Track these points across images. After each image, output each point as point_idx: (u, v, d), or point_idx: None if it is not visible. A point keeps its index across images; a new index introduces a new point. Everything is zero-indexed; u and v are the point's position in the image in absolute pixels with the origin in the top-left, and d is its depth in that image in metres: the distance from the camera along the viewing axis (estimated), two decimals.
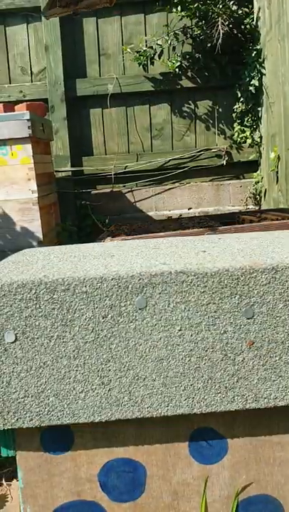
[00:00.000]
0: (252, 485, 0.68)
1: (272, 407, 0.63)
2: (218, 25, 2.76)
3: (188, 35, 2.94)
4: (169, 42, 2.96)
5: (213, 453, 0.67)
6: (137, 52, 2.65)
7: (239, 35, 2.87)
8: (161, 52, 2.94)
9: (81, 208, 3.14)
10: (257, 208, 2.96)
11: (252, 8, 2.90)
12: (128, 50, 2.66)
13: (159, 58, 2.73)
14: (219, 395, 0.62)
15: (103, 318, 0.60)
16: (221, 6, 2.70)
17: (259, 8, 2.80)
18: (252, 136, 3.00)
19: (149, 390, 0.62)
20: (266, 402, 0.63)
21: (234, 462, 0.68)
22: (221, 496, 0.68)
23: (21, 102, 2.81)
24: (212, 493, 0.68)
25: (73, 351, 0.61)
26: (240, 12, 2.78)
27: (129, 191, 3.12)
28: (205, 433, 0.67)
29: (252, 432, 0.67)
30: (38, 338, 0.60)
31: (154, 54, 2.72)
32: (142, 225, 1.25)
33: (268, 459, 0.68)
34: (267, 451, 0.68)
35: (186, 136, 2.88)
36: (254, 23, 2.89)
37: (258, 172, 3.03)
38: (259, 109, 2.95)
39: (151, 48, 2.71)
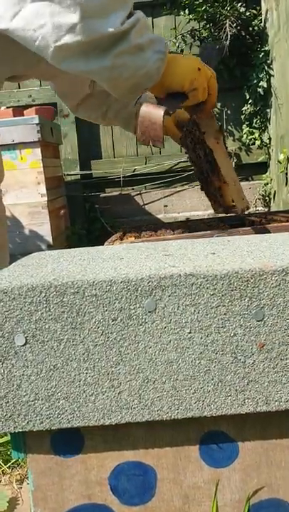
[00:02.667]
0: (263, 489, 0.68)
1: (284, 410, 0.63)
2: (225, 28, 2.76)
3: (196, 38, 2.94)
4: (176, 45, 2.95)
5: (224, 456, 0.67)
6: None
7: (247, 36, 2.86)
8: None
9: (90, 211, 3.15)
10: (266, 209, 2.95)
11: (260, 9, 2.89)
12: None
13: None
14: (229, 397, 0.62)
15: (113, 321, 0.60)
16: (228, 8, 2.70)
17: (267, 10, 2.79)
18: (261, 137, 2.99)
19: (159, 393, 0.62)
20: (277, 405, 0.62)
21: (245, 466, 0.67)
22: (232, 499, 0.68)
23: (30, 106, 2.83)
24: (223, 497, 0.68)
25: (83, 354, 0.61)
26: (248, 14, 2.78)
27: (137, 194, 3.12)
28: (215, 436, 0.67)
29: (263, 435, 0.67)
30: (48, 341, 0.60)
31: None
32: (150, 228, 1.25)
33: (279, 463, 0.67)
34: (278, 454, 0.67)
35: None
36: (262, 24, 2.88)
37: (267, 174, 3.02)
38: (268, 110, 2.94)
39: None
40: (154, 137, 0.90)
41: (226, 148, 1.13)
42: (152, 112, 0.90)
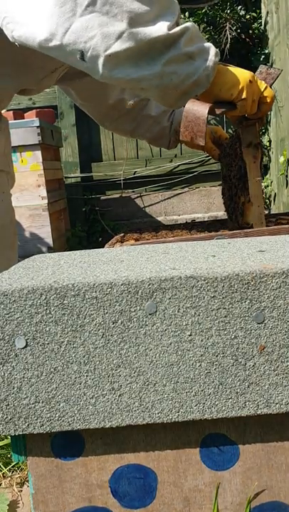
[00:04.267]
0: (264, 492, 0.67)
1: (284, 412, 0.63)
2: (226, 30, 2.77)
3: None
4: None
5: (225, 459, 0.67)
6: None
7: (247, 39, 2.87)
8: None
9: (90, 213, 3.15)
10: (267, 212, 2.95)
11: (260, 12, 2.90)
12: None
13: None
14: (230, 400, 0.62)
15: (113, 323, 0.60)
16: (228, 11, 2.71)
17: (267, 13, 2.80)
18: (261, 140, 2.99)
19: (160, 396, 0.62)
20: (278, 407, 0.62)
21: (246, 468, 0.67)
22: (232, 502, 0.67)
23: (31, 109, 2.84)
24: (224, 500, 0.67)
25: (84, 357, 0.61)
26: (248, 17, 2.78)
27: (138, 196, 3.12)
28: (216, 439, 0.67)
29: (264, 437, 0.67)
30: (48, 343, 0.60)
31: None
32: (150, 230, 1.25)
33: (280, 466, 0.67)
34: (279, 457, 0.67)
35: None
36: (262, 27, 2.89)
37: (267, 176, 3.02)
38: (268, 113, 2.94)
39: None
40: (196, 132, 0.91)
41: (262, 169, 1.13)
42: (197, 107, 0.91)
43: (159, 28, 0.84)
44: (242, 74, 0.96)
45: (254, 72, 1.03)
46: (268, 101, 1.00)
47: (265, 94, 1.00)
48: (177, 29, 0.86)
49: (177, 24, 0.89)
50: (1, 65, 1.06)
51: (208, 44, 0.92)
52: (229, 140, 1.16)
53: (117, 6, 0.81)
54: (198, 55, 0.89)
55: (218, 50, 0.93)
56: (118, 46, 0.82)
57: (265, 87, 1.00)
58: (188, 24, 0.89)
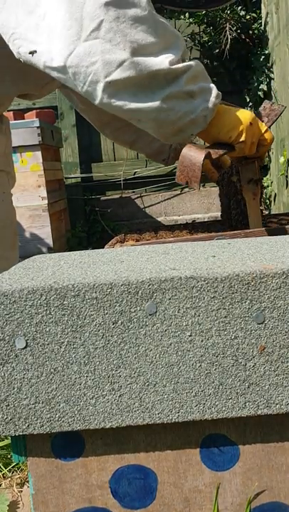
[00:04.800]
0: (264, 492, 0.67)
1: (285, 413, 0.63)
2: (226, 31, 2.77)
3: (197, 41, 2.94)
4: None
5: (225, 459, 0.67)
6: None
7: (247, 40, 2.87)
8: None
9: (90, 214, 3.15)
10: (266, 212, 2.95)
11: (260, 13, 2.90)
12: None
13: None
14: (230, 400, 0.62)
15: (113, 324, 0.60)
16: (228, 12, 2.71)
17: (267, 13, 2.80)
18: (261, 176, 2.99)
19: (160, 396, 0.62)
20: (278, 408, 0.62)
21: (246, 469, 0.67)
22: (233, 503, 0.67)
23: (31, 109, 2.84)
24: (224, 500, 0.67)
25: (84, 357, 0.61)
26: (248, 17, 2.79)
27: (138, 197, 3.12)
28: (216, 439, 0.67)
29: (264, 438, 0.67)
30: (48, 344, 0.60)
31: None
32: (150, 231, 1.25)
33: (280, 466, 0.67)
34: (279, 458, 0.67)
35: (195, 141, 2.89)
36: (262, 28, 2.89)
37: (268, 176, 3.02)
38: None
39: None
40: (191, 177, 0.92)
41: (261, 203, 1.12)
42: (194, 153, 0.92)
43: (162, 62, 0.84)
44: (243, 116, 0.95)
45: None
46: (267, 143, 1.00)
47: (265, 136, 0.99)
48: (180, 65, 0.87)
49: (183, 60, 0.89)
50: (1, 71, 1.07)
51: (211, 85, 0.92)
52: (229, 171, 1.14)
53: (120, 35, 0.82)
54: (199, 94, 0.89)
55: (220, 92, 0.94)
56: (118, 74, 0.83)
57: (266, 129, 1.00)
58: (192, 62, 0.89)
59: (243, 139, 0.94)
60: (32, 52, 0.85)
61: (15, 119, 2.50)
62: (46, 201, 2.55)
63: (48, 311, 0.60)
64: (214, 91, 0.91)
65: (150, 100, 0.86)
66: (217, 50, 2.84)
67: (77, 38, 0.82)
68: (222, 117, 0.94)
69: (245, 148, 0.96)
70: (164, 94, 0.86)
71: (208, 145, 0.98)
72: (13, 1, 0.86)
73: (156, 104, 0.86)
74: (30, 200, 2.53)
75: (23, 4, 0.85)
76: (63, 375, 0.61)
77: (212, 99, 0.90)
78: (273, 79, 2.77)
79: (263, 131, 0.99)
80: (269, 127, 1.02)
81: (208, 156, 0.92)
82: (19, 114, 2.61)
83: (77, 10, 0.81)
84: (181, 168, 0.93)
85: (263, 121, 1.01)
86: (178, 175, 0.94)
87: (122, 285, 0.60)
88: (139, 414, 0.62)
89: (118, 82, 0.83)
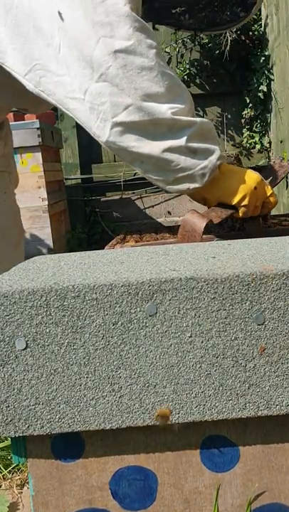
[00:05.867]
0: (265, 493, 0.67)
1: (285, 414, 0.63)
2: (226, 32, 2.77)
3: (197, 43, 2.95)
4: (177, 49, 2.97)
5: (225, 461, 0.67)
6: None
7: (247, 41, 2.87)
8: (170, 59, 2.94)
9: (91, 215, 3.15)
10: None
11: (260, 14, 2.90)
12: None
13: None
14: (230, 401, 0.62)
15: (113, 325, 0.60)
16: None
17: (267, 15, 2.80)
18: (261, 141, 3.00)
19: (160, 397, 0.62)
20: (278, 409, 0.62)
21: (246, 470, 0.67)
22: (233, 504, 0.67)
23: None
24: (224, 502, 0.67)
25: (84, 358, 0.61)
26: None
27: (138, 198, 3.12)
28: (216, 440, 0.67)
29: (264, 439, 0.66)
30: (48, 345, 0.60)
31: None
32: (151, 232, 1.25)
33: (280, 467, 0.67)
34: (279, 459, 0.67)
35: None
36: (262, 29, 2.89)
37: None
38: (268, 114, 2.95)
39: None
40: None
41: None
42: (196, 220, 0.94)
43: (165, 111, 0.88)
44: (248, 179, 0.97)
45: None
46: (271, 206, 1.02)
47: (270, 199, 1.01)
48: (183, 118, 0.90)
49: (192, 115, 0.92)
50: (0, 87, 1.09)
51: (215, 147, 0.94)
52: (233, 223, 1.14)
53: (127, 82, 0.87)
54: (202, 152, 0.92)
55: (224, 155, 0.96)
56: (124, 117, 0.87)
57: (271, 193, 1.01)
58: (198, 119, 0.92)
59: (246, 202, 0.96)
60: (54, 83, 0.90)
61: (15, 120, 2.50)
62: (46, 202, 2.55)
63: (48, 312, 0.60)
64: (217, 152, 0.94)
65: (152, 148, 0.90)
66: (217, 52, 2.84)
67: (90, 79, 0.87)
68: (226, 179, 0.96)
69: (248, 211, 0.98)
70: (166, 145, 0.89)
71: (212, 207, 0.99)
72: (33, 32, 0.90)
73: (156, 153, 0.90)
74: (31, 201, 2.53)
75: (43, 36, 0.90)
76: (63, 376, 0.61)
77: (213, 160, 0.93)
78: (273, 80, 2.77)
79: (268, 195, 1.00)
80: (276, 185, 1.03)
81: (209, 223, 0.93)
82: (19, 115, 2.61)
83: (89, 53, 0.86)
84: (182, 232, 0.95)
85: (272, 177, 1.02)
86: (179, 238, 0.96)
87: (122, 286, 0.60)
88: (139, 415, 0.62)
89: (124, 124, 0.88)
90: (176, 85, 0.91)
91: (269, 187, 1.01)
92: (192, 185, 0.95)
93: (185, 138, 0.89)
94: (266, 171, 1.07)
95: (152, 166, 0.93)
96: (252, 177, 0.98)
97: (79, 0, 0.87)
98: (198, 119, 0.92)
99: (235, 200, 0.96)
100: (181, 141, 0.89)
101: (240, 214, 0.98)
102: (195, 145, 0.91)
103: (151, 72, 0.87)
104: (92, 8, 0.86)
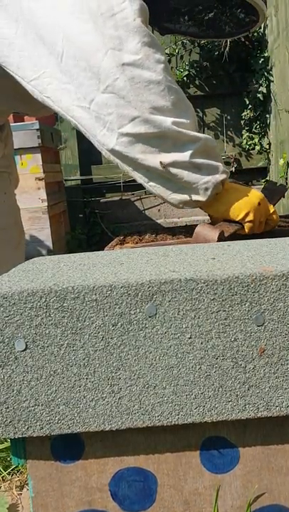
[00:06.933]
0: (264, 495, 0.67)
1: (284, 415, 0.63)
2: None
3: (196, 44, 2.95)
4: (176, 51, 2.97)
5: (225, 462, 0.67)
6: None
7: (246, 42, 2.87)
8: (169, 61, 2.94)
9: (90, 216, 3.15)
10: None
11: None
12: None
13: None
14: (230, 403, 0.62)
15: (113, 326, 0.60)
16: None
17: (266, 16, 2.81)
18: (260, 143, 3.00)
19: (160, 399, 0.62)
20: (278, 410, 0.62)
21: (246, 471, 0.67)
22: (233, 505, 0.67)
23: None
24: (224, 503, 0.67)
25: (83, 359, 0.61)
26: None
27: (138, 199, 3.12)
28: (216, 442, 0.66)
29: (264, 440, 0.66)
30: (48, 346, 0.60)
31: None
32: (150, 233, 1.25)
33: (280, 468, 0.67)
34: (279, 460, 0.67)
35: None
36: (261, 30, 2.90)
37: (267, 178, 3.02)
38: (267, 116, 2.95)
39: None
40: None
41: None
42: (208, 232, 0.94)
43: (170, 124, 0.89)
44: (252, 196, 0.98)
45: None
46: (274, 223, 1.04)
47: (273, 216, 1.03)
48: (189, 133, 0.91)
49: (196, 131, 0.93)
50: (1, 90, 1.09)
51: (219, 164, 0.95)
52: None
53: (134, 94, 0.87)
54: (206, 168, 0.93)
55: (227, 170, 0.97)
56: (130, 128, 0.88)
57: (273, 211, 1.03)
58: (204, 136, 0.93)
59: (251, 218, 0.97)
60: (61, 91, 0.91)
61: (15, 122, 2.50)
62: (46, 203, 2.55)
63: (48, 313, 0.60)
64: (221, 169, 0.95)
65: (156, 161, 0.91)
66: (217, 53, 2.84)
67: (96, 89, 0.88)
68: (230, 195, 0.98)
69: (254, 227, 0.99)
70: (171, 158, 0.91)
71: (219, 223, 1.00)
72: (38, 41, 0.91)
73: (161, 166, 0.91)
74: (30, 202, 2.53)
75: (46, 45, 0.91)
76: (63, 378, 0.61)
77: (216, 175, 0.94)
78: (273, 81, 2.77)
79: (271, 212, 1.02)
80: (274, 205, 1.05)
81: (221, 234, 0.94)
82: (19, 116, 2.61)
83: (96, 64, 0.87)
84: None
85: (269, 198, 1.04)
86: None
87: (121, 287, 0.60)
88: (139, 416, 0.62)
89: (130, 135, 0.89)
90: (182, 100, 0.93)
91: (271, 206, 1.03)
92: (194, 197, 0.95)
93: (189, 153, 0.91)
94: (264, 192, 1.08)
95: (156, 175, 0.94)
96: (255, 194, 0.99)
97: (88, 12, 0.87)
98: (203, 136, 0.93)
99: (240, 216, 0.97)
100: (186, 156, 0.91)
101: (246, 230, 0.99)
102: (199, 161, 0.92)
103: (158, 86, 0.88)
104: (102, 22, 0.87)
